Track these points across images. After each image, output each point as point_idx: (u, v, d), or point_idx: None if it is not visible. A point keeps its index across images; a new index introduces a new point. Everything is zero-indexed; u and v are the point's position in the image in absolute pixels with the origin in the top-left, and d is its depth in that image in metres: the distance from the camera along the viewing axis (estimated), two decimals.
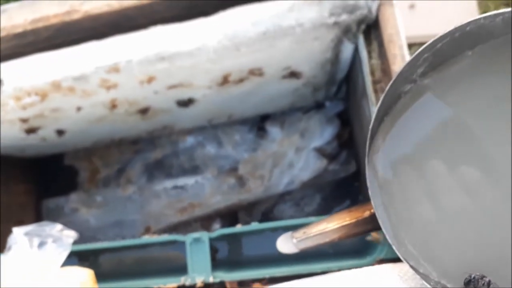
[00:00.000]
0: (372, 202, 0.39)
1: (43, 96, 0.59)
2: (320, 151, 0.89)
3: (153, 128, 0.88)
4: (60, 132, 0.77)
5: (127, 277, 0.58)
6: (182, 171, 0.97)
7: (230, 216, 0.92)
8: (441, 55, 0.36)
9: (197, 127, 0.94)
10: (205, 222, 0.91)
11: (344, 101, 0.89)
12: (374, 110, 0.55)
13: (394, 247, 0.36)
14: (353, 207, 0.44)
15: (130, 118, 0.75)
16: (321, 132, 0.89)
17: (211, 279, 0.52)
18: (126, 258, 0.62)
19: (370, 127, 0.38)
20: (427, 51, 0.36)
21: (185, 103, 0.71)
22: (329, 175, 0.89)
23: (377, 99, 0.54)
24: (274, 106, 0.86)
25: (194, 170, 0.96)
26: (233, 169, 0.94)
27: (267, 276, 0.53)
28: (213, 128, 0.95)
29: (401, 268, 0.39)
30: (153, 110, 0.73)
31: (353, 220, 0.40)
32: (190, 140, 0.96)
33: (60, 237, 0.53)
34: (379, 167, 0.39)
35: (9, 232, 0.64)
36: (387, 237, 0.37)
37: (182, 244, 0.57)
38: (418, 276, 0.37)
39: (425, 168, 0.38)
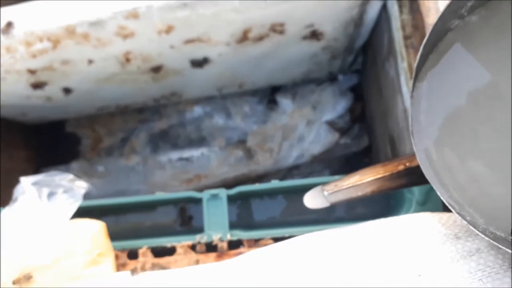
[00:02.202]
0: (414, 147, 0.37)
1: (56, 42, 0.56)
2: (332, 124, 0.87)
3: (161, 95, 0.85)
4: (67, 91, 0.73)
5: (135, 237, 0.55)
6: (188, 142, 0.94)
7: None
8: None
9: (205, 96, 0.91)
10: None
11: (358, 74, 0.87)
12: (403, 66, 0.53)
13: (438, 192, 0.34)
14: (387, 161, 0.42)
15: (140, 78, 0.72)
16: (333, 105, 0.87)
17: (228, 237, 0.50)
18: (131, 220, 0.59)
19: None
20: None
21: (200, 63, 0.69)
22: (340, 149, 0.87)
23: (408, 54, 0.52)
24: (287, 75, 0.84)
25: (200, 141, 0.94)
26: (242, 141, 0.91)
27: (286, 235, 0.51)
28: (222, 98, 0.92)
29: (441, 217, 0.37)
30: (166, 70, 0.70)
31: (387, 174, 0.38)
32: (197, 110, 0.94)
33: (71, 188, 0.50)
34: (422, 108, 0.37)
35: (9, 197, 0.61)
36: (430, 181, 0.35)
37: (196, 202, 0.55)
38: (459, 224, 0.36)
39: (470, 109, 0.36)
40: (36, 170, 0.97)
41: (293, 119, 0.89)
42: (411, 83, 0.52)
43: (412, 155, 0.36)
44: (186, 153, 0.93)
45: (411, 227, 0.36)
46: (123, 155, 0.95)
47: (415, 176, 0.37)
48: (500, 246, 0.29)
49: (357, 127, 0.87)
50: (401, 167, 0.39)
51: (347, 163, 0.89)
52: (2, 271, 0.46)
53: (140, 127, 0.95)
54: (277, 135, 0.89)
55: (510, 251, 0.29)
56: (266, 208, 0.57)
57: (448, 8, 0.34)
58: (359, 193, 0.40)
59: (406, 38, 0.52)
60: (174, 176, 0.92)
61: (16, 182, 0.91)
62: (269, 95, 0.91)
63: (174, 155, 0.94)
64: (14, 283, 0.46)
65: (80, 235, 0.48)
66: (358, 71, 0.87)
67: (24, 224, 0.49)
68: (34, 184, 0.51)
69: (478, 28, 0.36)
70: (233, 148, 0.91)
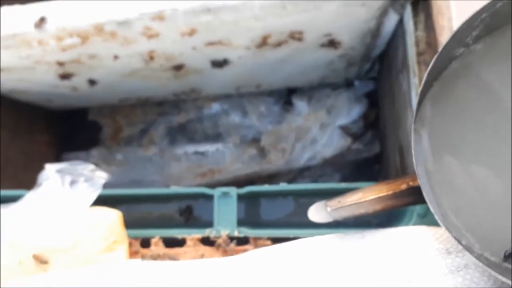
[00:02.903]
0: (416, 171, 0.37)
1: (84, 38, 0.60)
2: (345, 129, 0.89)
3: (181, 90, 0.88)
4: (92, 82, 0.77)
5: (148, 227, 0.58)
6: (204, 137, 0.97)
7: (248, 185, 0.92)
8: (498, 19, 0.35)
9: (223, 94, 0.94)
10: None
11: (374, 81, 0.89)
12: (415, 81, 0.55)
13: (437, 217, 0.35)
14: (391, 180, 0.43)
15: (162, 75, 0.75)
16: (348, 111, 0.88)
17: (236, 233, 0.53)
18: (145, 210, 0.62)
19: (419, 91, 0.37)
20: (486, 11, 0.35)
21: (220, 63, 0.71)
22: (352, 155, 0.89)
23: (420, 71, 0.54)
24: (304, 79, 0.86)
25: (216, 137, 0.97)
26: (256, 140, 0.94)
27: (291, 236, 0.53)
28: (239, 97, 0.95)
29: (436, 231, 0.39)
30: (187, 68, 0.73)
31: (390, 192, 0.38)
32: (215, 107, 0.97)
33: (92, 177, 0.53)
34: (425, 134, 0.38)
35: (29, 179, 0.65)
36: (430, 207, 0.36)
37: (207, 198, 0.57)
38: (452, 239, 0.37)
39: (472, 137, 0.37)
40: (57, 155, 1.01)
41: (307, 121, 0.91)
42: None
43: (415, 174, 0.36)
44: (202, 148, 0.96)
45: (406, 239, 0.38)
46: (142, 146, 0.98)
47: (418, 196, 0.37)
48: (493, 272, 0.30)
49: (369, 133, 0.89)
50: (404, 186, 0.40)
51: (357, 168, 0.91)
52: (22, 250, 0.50)
53: (159, 119, 0.99)
54: (291, 136, 0.91)
55: (501, 277, 0.30)
56: (274, 208, 0.60)
57: (453, 37, 0.36)
58: (362, 211, 0.40)
59: (419, 54, 0.54)
60: (189, 169, 0.95)
61: (37, 165, 0.95)
62: (285, 97, 0.93)
63: (190, 148, 0.97)
64: (34, 257, 0.49)
65: (98, 222, 0.51)
66: (374, 78, 0.88)
67: (46, 208, 0.52)
68: (58, 171, 0.54)
69: (483, 55, 0.37)
70: (247, 146, 0.94)
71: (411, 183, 0.39)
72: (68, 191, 0.52)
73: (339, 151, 0.89)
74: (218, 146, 0.96)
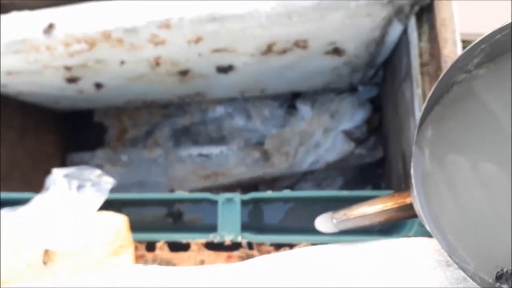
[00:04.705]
0: (413, 190, 0.38)
1: (92, 45, 0.60)
2: (348, 134, 0.90)
3: (186, 94, 0.89)
4: (98, 86, 0.78)
5: (153, 230, 0.59)
6: (208, 140, 0.98)
7: (251, 188, 0.93)
8: (499, 48, 0.36)
9: (228, 98, 0.95)
10: (227, 191, 0.92)
11: (378, 87, 0.89)
12: (418, 92, 0.55)
13: (435, 237, 0.36)
14: (396, 193, 0.43)
15: (168, 79, 0.76)
16: (351, 115, 0.89)
17: (239, 239, 0.54)
18: (150, 213, 0.63)
19: (420, 115, 0.37)
20: (485, 42, 0.35)
21: (225, 69, 0.72)
22: (355, 159, 0.90)
23: (423, 81, 0.54)
24: (308, 84, 0.87)
25: (220, 140, 0.97)
26: (259, 143, 0.95)
27: (294, 241, 0.54)
28: (243, 101, 0.96)
29: (437, 243, 0.40)
30: (192, 74, 0.74)
31: (395, 206, 0.39)
32: (219, 110, 0.97)
33: (99, 182, 0.54)
34: (425, 155, 0.39)
35: (36, 179, 0.66)
36: (427, 227, 0.36)
37: (212, 203, 0.58)
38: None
39: (472, 161, 0.37)
40: (62, 155, 1.02)
41: (311, 125, 0.91)
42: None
43: None
44: (206, 150, 0.97)
45: (407, 250, 0.39)
46: (147, 147, 0.99)
47: None
48: None
49: (373, 138, 0.89)
50: (408, 200, 0.40)
51: (360, 173, 0.92)
52: (30, 252, 0.51)
53: (164, 122, 1.00)
54: (294, 140, 0.92)
55: None
56: (277, 214, 0.61)
57: (454, 65, 0.36)
58: (367, 222, 0.41)
59: (422, 65, 0.54)
60: (193, 171, 0.96)
61: (44, 165, 0.97)
62: (289, 101, 0.94)
63: (195, 151, 0.98)
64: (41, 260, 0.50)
65: (105, 227, 0.52)
66: (378, 84, 0.89)
67: (54, 211, 0.54)
68: (65, 176, 0.55)
69: (485, 80, 0.38)
70: (251, 149, 0.95)
71: None
72: (75, 196, 0.53)
73: (342, 155, 0.89)
74: (222, 149, 0.97)
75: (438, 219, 0.37)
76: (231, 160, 0.95)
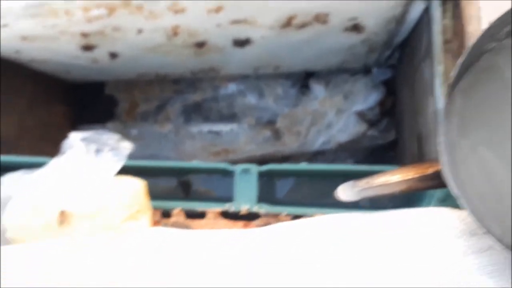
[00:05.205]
0: (440, 158, 0.38)
1: (111, 10, 0.60)
2: (361, 115, 0.89)
3: (200, 68, 0.88)
4: (113, 55, 0.77)
5: (168, 199, 0.59)
6: (219, 117, 0.98)
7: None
8: None
9: (241, 75, 0.94)
10: None
11: (392, 69, 0.89)
12: (439, 69, 0.55)
13: (462, 204, 0.35)
14: (416, 164, 0.44)
15: (184, 51, 0.75)
16: (365, 97, 0.89)
17: (255, 208, 0.54)
18: (164, 183, 0.63)
19: (450, 82, 0.37)
20: None
21: (242, 42, 0.72)
22: (367, 141, 0.89)
23: (446, 59, 0.54)
24: (323, 63, 0.86)
25: (231, 117, 0.97)
26: (271, 122, 0.95)
27: (308, 214, 0.54)
28: (256, 79, 0.95)
29: (460, 214, 0.40)
30: (208, 46, 0.73)
31: (417, 175, 0.40)
32: (231, 87, 0.97)
33: (117, 147, 0.54)
34: (453, 124, 0.39)
35: (46, 148, 0.66)
36: (453, 193, 0.36)
37: (225, 175, 0.58)
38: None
39: (500, 130, 0.37)
40: (72, 126, 1.02)
41: (323, 106, 0.91)
42: (444, 89, 0.54)
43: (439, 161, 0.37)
44: (216, 127, 0.97)
45: (430, 220, 0.39)
46: (157, 122, 0.99)
47: (441, 180, 0.38)
48: None
49: (385, 120, 0.89)
50: (430, 170, 0.41)
51: (371, 154, 0.92)
52: (46, 214, 0.51)
53: (176, 97, 0.99)
54: (306, 119, 0.92)
55: None
56: (291, 187, 0.61)
57: (485, 33, 0.36)
58: (389, 191, 0.42)
59: (446, 42, 0.54)
60: (203, 148, 0.96)
61: (53, 135, 0.97)
62: (302, 80, 0.94)
63: (205, 127, 0.98)
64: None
65: (123, 191, 0.52)
66: (393, 66, 0.88)
67: (71, 174, 0.53)
68: (83, 139, 0.55)
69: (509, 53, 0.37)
70: (262, 128, 0.94)
71: (438, 168, 0.40)
72: (93, 159, 0.53)
73: (354, 136, 0.89)
74: (233, 126, 0.96)
75: (465, 186, 0.37)
76: (242, 138, 0.95)
